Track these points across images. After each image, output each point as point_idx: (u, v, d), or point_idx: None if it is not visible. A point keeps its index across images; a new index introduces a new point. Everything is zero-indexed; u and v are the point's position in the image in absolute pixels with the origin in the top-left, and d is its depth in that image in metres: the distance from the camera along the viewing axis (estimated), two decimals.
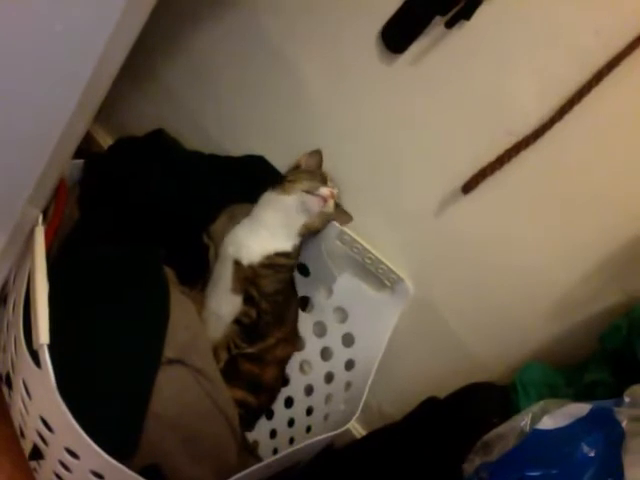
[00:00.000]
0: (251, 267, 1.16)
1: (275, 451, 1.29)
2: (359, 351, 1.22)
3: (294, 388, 1.32)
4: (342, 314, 1.26)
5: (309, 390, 1.30)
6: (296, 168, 1.20)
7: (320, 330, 1.30)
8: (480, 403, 0.95)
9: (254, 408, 1.25)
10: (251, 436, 1.30)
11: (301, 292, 1.31)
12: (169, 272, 1.15)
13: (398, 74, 1.05)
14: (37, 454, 0.95)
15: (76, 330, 0.95)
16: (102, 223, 1.13)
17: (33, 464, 0.99)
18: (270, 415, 1.33)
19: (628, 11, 0.85)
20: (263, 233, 1.16)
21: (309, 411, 1.28)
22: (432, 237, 1.12)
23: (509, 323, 1.08)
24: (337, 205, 1.15)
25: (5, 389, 1.04)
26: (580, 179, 0.95)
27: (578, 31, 0.89)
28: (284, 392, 1.33)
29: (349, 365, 1.23)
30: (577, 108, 0.90)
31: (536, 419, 0.75)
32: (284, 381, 1.33)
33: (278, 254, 1.16)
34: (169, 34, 1.30)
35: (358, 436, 1.25)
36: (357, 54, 1.08)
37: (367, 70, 1.08)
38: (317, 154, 1.19)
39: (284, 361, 1.30)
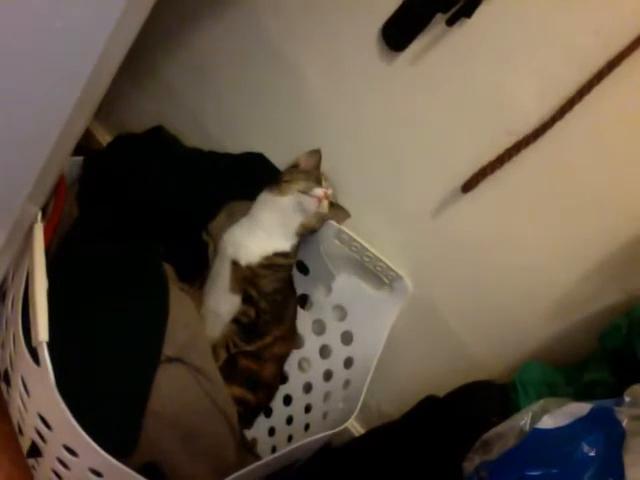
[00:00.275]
0: (249, 267, 1.15)
1: (273, 449, 1.29)
2: (358, 349, 1.22)
3: (293, 386, 1.32)
4: (341, 312, 1.26)
5: (308, 388, 1.30)
6: (294, 167, 1.20)
7: (319, 328, 1.30)
8: (479, 402, 0.95)
9: (253, 406, 1.25)
10: (250, 434, 1.30)
11: (300, 290, 1.30)
12: (168, 269, 1.15)
13: (398, 72, 1.05)
14: (35, 452, 0.95)
15: (75, 327, 0.95)
16: (101, 220, 1.13)
17: (31, 462, 0.99)
18: (269, 413, 1.33)
19: (628, 11, 0.85)
20: (261, 234, 1.16)
21: (307, 409, 1.29)
22: (432, 236, 1.12)
23: (509, 322, 1.08)
24: (332, 204, 1.15)
25: (3, 386, 1.04)
26: (580, 178, 0.95)
27: (578, 31, 0.89)
28: (283, 390, 1.33)
29: (348, 363, 1.23)
30: (578, 107, 0.90)
31: (536, 418, 0.75)
32: (283, 379, 1.33)
33: (277, 254, 1.16)
34: (169, 32, 1.30)
35: (356, 434, 1.25)
36: (357, 52, 1.08)
37: (367, 68, 1.08)
38: (316, 153, 1.19)
39: (282, 358, 1.30)
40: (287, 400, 1.32)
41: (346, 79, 1.12)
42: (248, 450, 1.23)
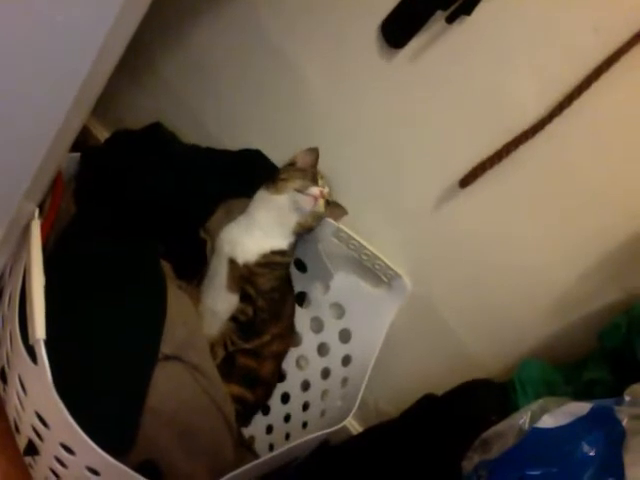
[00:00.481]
0: (247, 266, 1.15)
1: (271, 446, 1.29)
2: (356, 347, 1.22)
3: (290, 384, 1.32)
4: (339, 310, 1.26)
5: (305, 386, 1.30)
6: (291, 165, 1.19)
7: (317, 326, 1.30)
8: (478, 400, 0.95)
9: (250, 403, 1.25)
10: (247, 431, 1.30)
11: (298, 288, 1.30)
12: (166, 266, 1.15)
13: (398, 71, 1.05)
14: (32, 450, 0.94)
15: (72, 325, 0.95)
16: (99, 217, 1.12)
17: (28, 460, 0.99)
18: (266, 411, 1.33)
19: (627, 8, 0.85)
20: (258, 232, 1.16)
21: (305, 407, 1.29)
22: (431, 234, 1.12)
23: (508, 321, 1.08)
24: (328, 202, 1.15)
25: (0, 384, 1.03)
26: (579, 175, 0.95)
27: (577, 28, 0.89)
28: (280, 388, 1.33)
29: (346, 361, 1.23)
30: (576, 103, 0.89)
31: (535, 417, 0.75)
32: (280, 377, 1.33)
33: (274, 252, 1.16)
34: (168, 27, 1.29)
35: (354, 433, 1.25)
36: (357, 49, 1.08)
37: (367, 66, 1.07)
38: (313, 151, 1.18)
39: (280, 356, 1.30)
40: (285, 398, 1.32)
41: (345, 76, 1.12)
42: (246, 448, 1.23)
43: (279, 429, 1.30)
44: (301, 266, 1.29)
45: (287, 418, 1.31)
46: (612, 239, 0.94)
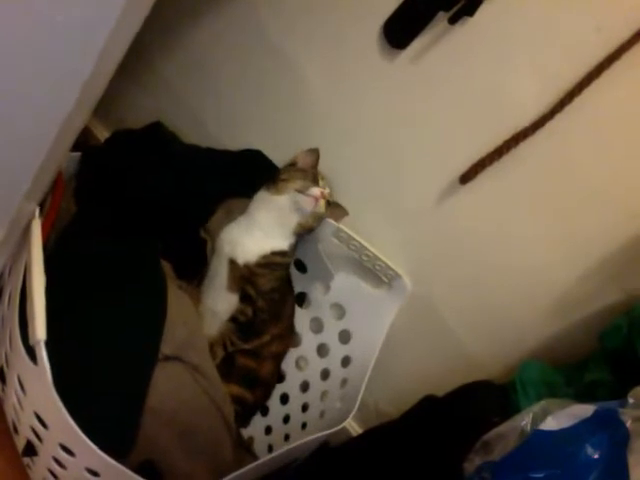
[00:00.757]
0: (247, 266, 1.15)
1: (270, 447, 1.29)
2: (356, 348, 1.22)
3: (290, 384, 1.32)
4: (339, 310, 1.26)
5: (305, 386, 1.30)
6: (292, 165, 1.19)
7: (317, 326, 1.29)
8: (479, 402, 0.95)
9: (250, 404, 1.24)
10: (246, 432, 1.30)
11: (298, 288, 1.30)
12: (166, 266, 1.15)
13: (399, 71, 1.04)
14: (31, 450, 0.94)
15: (72, 324, 0.95)
16: (99, 216, 1.12)
17: (27, 460, 0.98)
18: (265, 411, 1.33)
19: (628, 7, 0.85)
20: (258, 233, 1.15)
21: (305, 408, 1.28)
22: (431, 235, 1.12)
23: (508, 321, 1.08)
24: (329, 203, 1.15)
25: None
26: (580, 173, 0.95)
27: (578, 28, 0.89)
28: (279, 388, 1.32)
29: (345, 362, 1.23)
30: (577, 100, 0.89)
31: (537, 419, 0.74)
32: (280, 377, 1.32)
33: (274, 253, 1.16)
34: (168, 27, 1.29)
35: (354, 434, 1.25)
36: (358, 50, 1.08)
37: (368, 66, 1.07)
38: (314, 152, 1.18)
39: (280, 357, 1.30)
40: (284, 399, 1.32)
41: (346, 76, 1.12)
42: (245, 449, 1.22)
43: (278, 430, 1.30)
44: (301, 266, 1.29)
45: (286, 419, 1.30)
46: (613, 239, 0.94)
